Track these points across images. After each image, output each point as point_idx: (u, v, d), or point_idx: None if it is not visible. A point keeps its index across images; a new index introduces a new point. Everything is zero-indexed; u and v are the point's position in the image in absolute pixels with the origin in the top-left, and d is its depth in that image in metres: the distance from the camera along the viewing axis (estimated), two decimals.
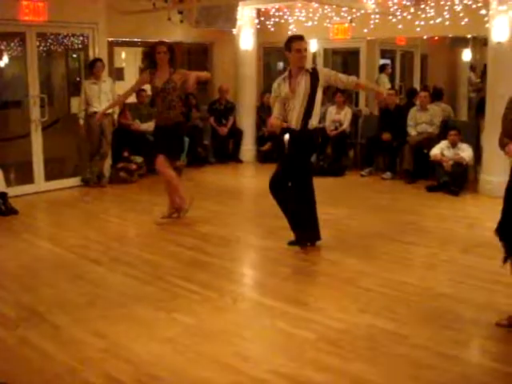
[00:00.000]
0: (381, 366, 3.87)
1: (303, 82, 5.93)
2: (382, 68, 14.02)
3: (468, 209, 8.57)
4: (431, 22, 10.47)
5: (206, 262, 5.96)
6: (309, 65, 6.34)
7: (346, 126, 11.03)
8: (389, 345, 4.16)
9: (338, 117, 11.09)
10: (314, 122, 6.02)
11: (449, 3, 10.20)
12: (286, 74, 6.10)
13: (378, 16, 11.05)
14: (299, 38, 5.98)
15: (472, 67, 16.55)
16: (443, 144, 9.28)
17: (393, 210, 8.19)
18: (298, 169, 6.10)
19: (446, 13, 10.28)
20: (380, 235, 6.65)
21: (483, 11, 9.42)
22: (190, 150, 10.48)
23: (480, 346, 4.35)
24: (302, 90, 5.92)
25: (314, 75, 5.94)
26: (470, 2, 9.93)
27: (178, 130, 7.28)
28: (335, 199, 8.67)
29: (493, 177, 8.85)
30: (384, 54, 15.14)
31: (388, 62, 15.32)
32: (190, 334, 4.36)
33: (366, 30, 11.22)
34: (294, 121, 6.01)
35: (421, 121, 10.14)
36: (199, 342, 4.21)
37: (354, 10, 11.13)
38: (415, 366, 3.88)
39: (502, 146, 4.57)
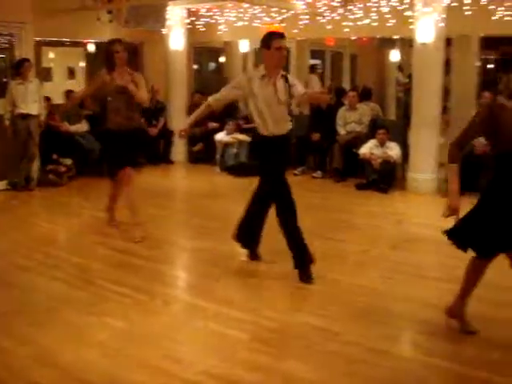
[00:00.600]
0: (313, 364, 3.90)
1: (282, 87, 5.35)
2: (312, 68, 14.19)
3: (396, 205, 8.76)
4: (359, 22, 10.65)
5: (138, 265, 5.88)
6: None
7: None
8: (321, 342, 4.20)
9: None
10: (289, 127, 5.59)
11: (376, 4, 10.40)
12: (263, 72, 5.36)
13: (307, 17, 11.16)
14: (280, 36, 5.30)
15: (400, 67, 16.94)
16: (372, 143, 9.46)
17: (324, 208, 8.29)
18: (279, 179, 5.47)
19: (373, 14, 10.48)
20: (312, 233, 6.67)
21: (409, 13, 9.63)
22: None
23: (411, 340, 4.45)
24: (283, 96, 5.35)
25: (287, 81, 5.37)
26: (396, 4, 10.15)
27: (141, 134, 7.01)
28: None
29: (419, 174, 9.09)
30: (314, 54, 15.34)
31: (318, 62, 15.53)
32: (120, 337, 4.29)
33: (295, 31, 11.31)
34: (272, 127, 5.40)
35: (350, 120, 10.30)
36: (130, 345, 4.15)
37: (283, 11, 11.22)
38: (348, 362, 3.93)
39: (452, 159, 4.17)
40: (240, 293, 5.22)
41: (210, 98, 5.64)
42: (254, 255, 5.93)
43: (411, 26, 9.23)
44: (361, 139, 9.90)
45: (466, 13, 9.52)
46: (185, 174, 11.50)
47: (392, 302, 4.96)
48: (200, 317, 4.64)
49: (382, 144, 9.33)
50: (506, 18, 9.33)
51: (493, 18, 9.39)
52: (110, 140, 6.79)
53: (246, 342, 4.20)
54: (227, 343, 4.20)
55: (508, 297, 5.01)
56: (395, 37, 13.41)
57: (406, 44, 15.09)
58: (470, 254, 4.13)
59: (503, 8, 9.26)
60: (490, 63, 20.54)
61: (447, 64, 11.43)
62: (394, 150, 9.30)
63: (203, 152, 11.70)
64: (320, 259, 5.55)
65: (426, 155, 9.09)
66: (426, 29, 8.96)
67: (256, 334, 4.33)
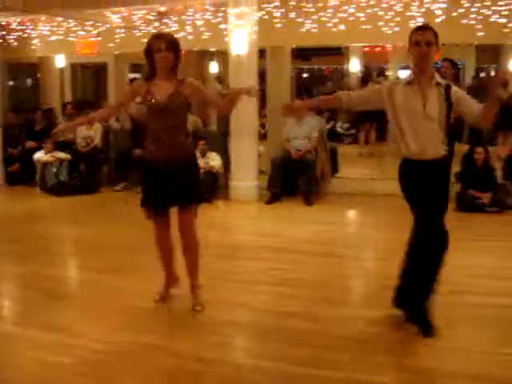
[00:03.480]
0: (142, 381, 3.84)
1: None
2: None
3: (220, 214, 8.88)
4: (175, 35, 10.68)
5: None
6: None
7: (97, 141, 10.85)
8: (151, 358, 4.13)
9: (89, 133, 10.85)
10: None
11: (191, 18, 10.53)
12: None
13: (123, 30, 11.05)
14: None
15: (219, 79, 17.25)
16: None
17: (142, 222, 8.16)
18: None
19: (188, 27, 10.60)
20: (133, 248, 6.61)
21: (223, 25, 9.85)
22: None
23: (242, 345, 4.53)
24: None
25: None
26: (210, 17, 10.35)
27: (193, 166, 4.97)
28: (85, 216, 8.51)
29: (241, 183, 9.33)
30: (136, 68, 15.19)
31: (139, 76, 15.38)
32: None
33: (112, 45, 11.15)
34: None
35: None
36: None
37: (98, 24, 11.02)
38: (174, 375, 3.91)
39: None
40: (64, 317, 5.00)
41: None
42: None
43: (226, 39, 9.45)
44: None
45: (277, 25, 9.92)
46: (2, 197, 10.85)
47: (219, 310, 4.98)
48: (21, 345, 4.39)
49: (203, 155, 9.44)
50: (313, 30, 9.83)
51: (301, 30, 9.85)
52: (153, 180, 4.87)
53: (71, 366, 4.02)
54: (51, 370, 3.99)
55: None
56: (212, 49, 13.63)
57: (224, 56, 15.41)
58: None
59: (310, 21, 9.74)
60: (303, 72, 21.60)
61: (263, 74, 11.85)
62: (215, 160, 9.46)
63: (21, 172, 11.13)
64: (144, 274, 5.46)
65: (246, 163, 9.36)
66: (240, 41, 9.22)
67: (82, 357, 4.17)
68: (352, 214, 9.12)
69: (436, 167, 4.25)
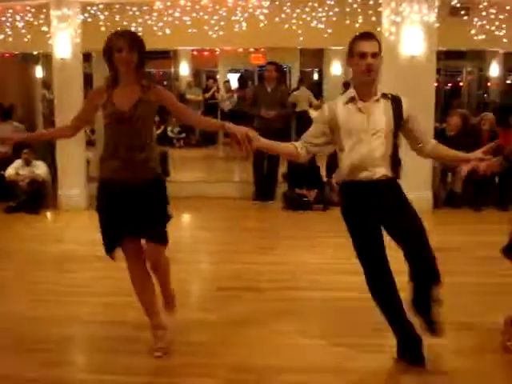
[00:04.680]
0: None
1: None
2: None
3: (51, 225, 8.56)
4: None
5: None
6: None
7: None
8: None
9: None
10: None
11: (10, 19, 10.01)
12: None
13: None
14: None
15: (46, 84, 16.59)
16: (17, 163, 9.12)
17: None
18: None
19: (8, 29, 10.08)
20: None
21: (45, 28, 9.49)
22: None
23: (78, 360, 4.39)
24: None
25: None
26: (31, 19, 9.90)
27: (159, 187, 4.17)
28: None
29: (69, 191, 9.07)
30: None
31: None
32: None
33: None
34: None
35: None
36: None
37: None
38: None
39: None
40: None
41: None
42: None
43: (50, 41, 9.14)
44: (7, 160, 9.44)
45: (102, 28, 9.71)
46: None
47: (54, 325, 4.76)
48: None
49: (27, 163, 9.04)
50: (140, 34, 9.71)
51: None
52: (108, 200, 4.12)
53: None
54: None
55: None
56: (35, 52, 13.08)
57: (50, 60, 14.85)
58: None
59: (135, 24, 9.63)
60: None
61: (89, 77, 11.57)
62: (40, 169, 9.10)
63: None
64: None
65: (74, 171, 9.10)
66: (63, 44, 8.96)
67: None
68: (184, 217, 9.14)
69: (384, 188, 3.83)
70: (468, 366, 3.99)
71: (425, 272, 3.77)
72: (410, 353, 3.98)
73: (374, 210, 3.79)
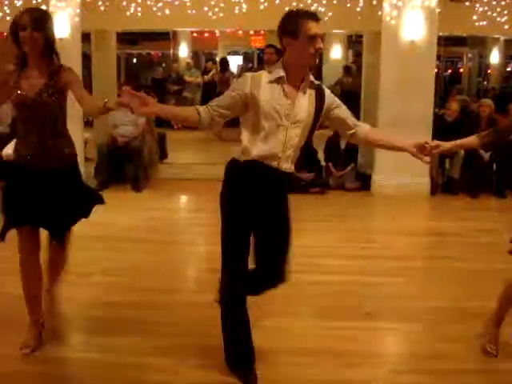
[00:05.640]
0: None
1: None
2: None
3: None
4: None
5: None
6: None
7: None
8: None
9: None
10: None
11: None
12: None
13: None
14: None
15: None
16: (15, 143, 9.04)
17: None
18: None
19: (6, 8, 9.98)
20: None
21: (44, 7, 9.40)
22: None
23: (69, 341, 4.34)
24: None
25: None
26: None
27: (74, 174, 4.03)
28: None
29: None
30: None
31: None
32: None
33: None
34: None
35: None
36: None
37: None
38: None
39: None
40: None
41: None
42: None
43: None
44: (4, 140, 9.37)
45: (101, 8, 9.65)
46: None
47: None
48: None
49: None
50: (138, 14, 9.68)
51: (126, 13, 9.66)
52: (16, 187, 3.88)
53: None
54: None
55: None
56: None
57: None
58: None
59: (135, 4, 9.58)
60: (132, 57, 21.27)
61: (88, 58, 11.52)
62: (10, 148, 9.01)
63: None
64: None
65: None
66: (62, 24, 8.87)
67: None
68: (180, 199, 9.14)
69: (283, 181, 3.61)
70: (463, 351, 4.03)
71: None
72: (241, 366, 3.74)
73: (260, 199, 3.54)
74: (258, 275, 3.71)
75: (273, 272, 3.69)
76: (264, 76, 3.45)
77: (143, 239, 6.48)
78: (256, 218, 3.57)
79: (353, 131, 3.64)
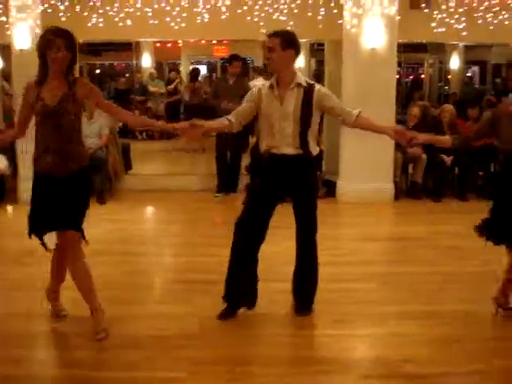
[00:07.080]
0: None
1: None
2: None
3: (10, 218, 8.45)
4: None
5: None
6: None
7: None
8: None
9: None
10: None
11: None
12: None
13: None
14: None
15: (5, 75, 16.30)
16: None
17: None
18: None
19: None
20: None
21: (3, 18, 9.31)
22: None
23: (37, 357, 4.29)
24: None
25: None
26: None
27: (84, 180, 4.44)
28: None
29: (29, 183, 8.87)
30: None
31: None
32: None
33: None
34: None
35: None
36: None
37: None
38: None
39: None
40: None
41: None
42: None
43: (8, 32, 8.98)
44: None
45: (63, 19, 9.56)
46: None
47: (21, 321, 4.70)
48: None
49: None
50: (100, 25, 9.61)
51: (88, 24, 9.59)
52: (38, 191, 4.33)
53: None
54: None
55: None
56: None
57: (8, 51, 14.58)
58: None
59: (96, 15, 9.51)
60: (95, 68, 21.16)
61: None
62: (1, 162, 8.93)
63: None
64: None
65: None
66: (23, 35, 8.82)
67: None
68: (145, 210, 9.07)
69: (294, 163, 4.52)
70: (433, 354, 4.06)
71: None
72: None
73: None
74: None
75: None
76: (266, 85, 4.54)
77: (108, 251, 6.41)
78: (278, 190, 4.65)
79: (341, 118, 4.53)
